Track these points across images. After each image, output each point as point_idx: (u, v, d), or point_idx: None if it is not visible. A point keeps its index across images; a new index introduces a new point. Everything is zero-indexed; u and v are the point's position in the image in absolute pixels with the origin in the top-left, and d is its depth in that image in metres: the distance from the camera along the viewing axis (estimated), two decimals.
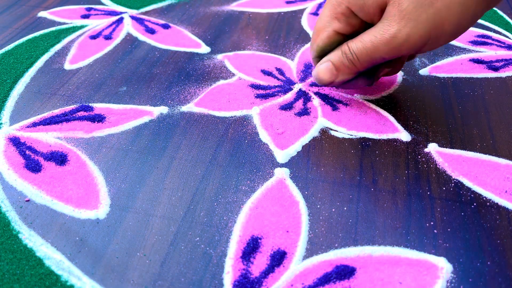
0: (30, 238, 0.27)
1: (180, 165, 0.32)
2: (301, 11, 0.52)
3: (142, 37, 0.47)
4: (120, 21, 0.49)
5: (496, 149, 0.32)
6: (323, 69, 0.33)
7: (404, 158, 0.32)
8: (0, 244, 0.27)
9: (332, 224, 0.28)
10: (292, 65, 0.42)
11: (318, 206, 0.29)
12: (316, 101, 0.37)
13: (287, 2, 0.53)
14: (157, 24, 0.49)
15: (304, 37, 0.47)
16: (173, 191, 0.30)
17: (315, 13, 0.51)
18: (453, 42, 0.45)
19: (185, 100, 0.38)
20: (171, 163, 0.32)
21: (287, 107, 0.37)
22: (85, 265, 0.25)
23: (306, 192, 0.30)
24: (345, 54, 0.32)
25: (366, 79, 0.34)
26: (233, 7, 0.53)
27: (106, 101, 0.38)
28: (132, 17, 0.50)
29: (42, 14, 0.51)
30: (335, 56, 0.32)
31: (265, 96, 0.38)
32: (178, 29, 0.48)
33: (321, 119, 0.35)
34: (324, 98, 0.37)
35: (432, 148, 0.33)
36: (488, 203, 0.29)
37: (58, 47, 0.45)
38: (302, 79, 0.40)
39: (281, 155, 0.32)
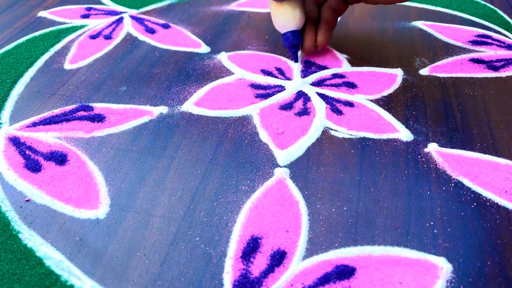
0: (30, 238, 0.27)
1: (180, 165, 0.32)
2: None
3: (142, 37, 0.47)
4: (120, 21, 0.49)
5: (496, 149, 0.32)
6: None
7: (404, 158, 0.32)
8: (0, 244, 0.27)
9: (332, 224, 0.28)
10: (292, 65, 0.42)
11: (318, 206, 0.29)
12: (316, 101, 0.37)
13: None
14: (157, 24, 0.49)
15: None
16: (173, 191, 0.30)
17: None
18: (453, 42, 0.45)
19: (185, 100, 0.38)
20: (171, 163, 0.32)
21: (287, 107, 0.37)
22: (85, 265, 0.25)
23: (306, 192, 0.30)
24: None
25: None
26: (233, 7, 0.53)
27: (106, 101, 0.38)
28: (132, 17, 0.50)
29: (42, 14, 0.51)
30: None
31: (265, 96, 0.38)
32: (178, 29, 0.48)
33: (321, 119, 0.35)
34: (324, 98, 0.37)
35: (432, 148, 0.33)
36: (488, 203, 0.29)
37: (58, 47, 0.45)
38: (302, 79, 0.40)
39: (282, 156, 0.32)
